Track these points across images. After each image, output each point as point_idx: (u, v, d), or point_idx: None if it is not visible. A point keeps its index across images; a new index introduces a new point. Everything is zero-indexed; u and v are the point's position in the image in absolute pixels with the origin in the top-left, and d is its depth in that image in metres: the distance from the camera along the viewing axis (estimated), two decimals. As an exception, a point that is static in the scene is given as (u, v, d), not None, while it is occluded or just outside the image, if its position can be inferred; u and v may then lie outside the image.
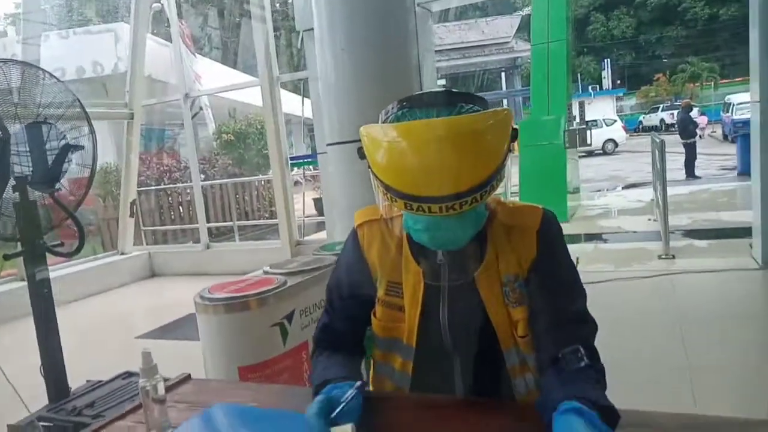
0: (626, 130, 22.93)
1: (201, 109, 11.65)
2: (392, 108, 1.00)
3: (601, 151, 20.96)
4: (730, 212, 6.99)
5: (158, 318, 4.97)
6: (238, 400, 1.15)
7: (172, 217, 9.05)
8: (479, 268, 1.07)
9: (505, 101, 31.75)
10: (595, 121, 22.08)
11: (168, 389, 1.22)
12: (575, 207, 8.58)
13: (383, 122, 1.00)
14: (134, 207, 7.30)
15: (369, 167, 0.99)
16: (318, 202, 9.30)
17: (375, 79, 2.72)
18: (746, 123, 9.77)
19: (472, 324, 1.08)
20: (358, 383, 1.01)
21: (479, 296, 1.07)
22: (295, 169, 8.15)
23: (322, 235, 7.00)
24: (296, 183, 9.47)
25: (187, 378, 1.27)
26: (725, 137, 18.23)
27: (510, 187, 1.12)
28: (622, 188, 11.35)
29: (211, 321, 2.01)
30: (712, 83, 30.26)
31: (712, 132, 21.15)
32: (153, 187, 9.23)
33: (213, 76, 12.11)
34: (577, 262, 5.14)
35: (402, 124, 0.96)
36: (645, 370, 2.97)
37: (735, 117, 16.10)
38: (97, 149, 2.81)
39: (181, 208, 9.21)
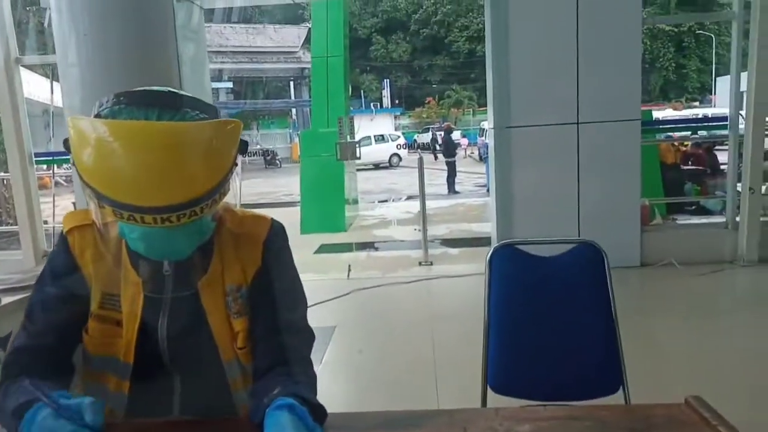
0: (407, 146, 25.01)
1: None
2: (106, 101, 0.90)
3: (387, 164, 22.49)
4: (479, 223, 8.04)
5: None
6: None
7: None
8: (203, 277, 1.03)
9: (293, 110, 32.22)
10: (382, 135, 23.69)
11: None
12: (353, 217, 9.02)
13: (95, 116, 0.89)
14: None
15: (73, 164, 0.88)
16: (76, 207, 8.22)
17: (125, 69, 2.50)
18: (494, 146, 11.39)
19: (193, 336, 1.03)
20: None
21: (201, 306, 1.03)
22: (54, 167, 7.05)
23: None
24: (57, 184, 8.20)
25: None
26: (480, 158, 21.04)
27: (240, 199, 1.09)
28: (406, 199, 12.31)
29: None
30: (472, 110, 34.91)
31: (471, 153, 24.27)
32: None
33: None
34: (350, 269, 5.45)
35: (116, 121, 0.86)
36: (400, 368, 3.23)
37: (486, 140, 18.69)
38: None
39: None
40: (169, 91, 0.92)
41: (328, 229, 7.55)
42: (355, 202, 10.39)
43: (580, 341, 1.49)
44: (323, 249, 6.73)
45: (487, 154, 15.74)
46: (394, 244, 7.15)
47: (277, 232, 1.09)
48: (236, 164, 0.94)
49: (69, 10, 2.58)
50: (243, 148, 0.95)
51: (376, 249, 7.00)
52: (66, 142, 0.89)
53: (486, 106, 5.37)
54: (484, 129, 20.76)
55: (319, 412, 0.89)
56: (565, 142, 4.71)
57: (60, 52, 2.74)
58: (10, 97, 4.98)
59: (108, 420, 0.88)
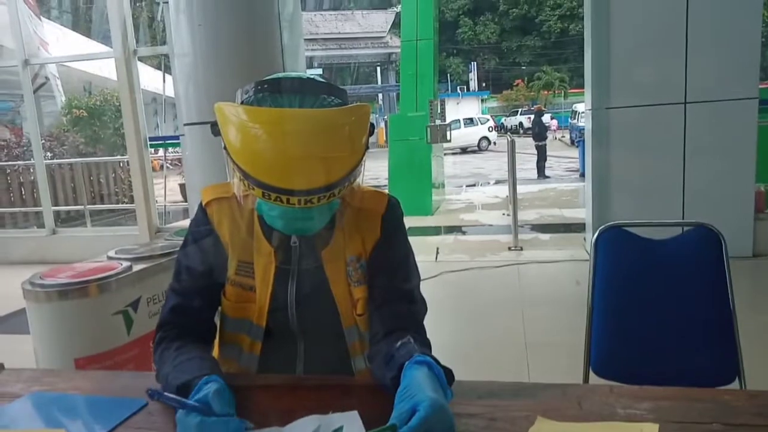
0: (496, 128, 24.46)
1: (47, 79, 10.46)
2: (250, 89, 0.96)
3: (476, 148, 22.17)
4: (571, 209, 7.79)
5: (-13, 311, 4.42)
6: (56, 389, 1.07)
7: (11, 198, 8.00)
8: (326, 249, 1.10)
9: (380, 95, 32.45)
10: (471, 119, 23.35)
11: (-25, 382, 1.10)
12: (440, 201, 9.01)
13: (242, 103, 0.96)
14: (-40, 186, 6.40)
15: (224, 148, 0.95)
16: (183, 188, 8.82)
17: (235, 57, 2.65)
18: (587, 130, 10.92)
19: (318, 303, 1.11)
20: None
21: (325, 276, 1.10)
22: (160, 151, 7.64)
23: (186, 222, 6.65)
24: (163, 167, 8.86)
25: None
26: (572, 142, 20.19)
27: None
28: (494, 183, 12.17)
29: (42, 309, 1.84)
30: (563, 92, 33.47)
31: (561, 137, 23.35)
32: (-15, 165, 8.12)
33: (64, 44, 10.95)
34: (438, 252, 5.48)
35: (264, 109, 0.93)
36: (490, 347, 3.24)
37: (579, 123, 17.90)
38: None
39: (23, 189, 8.17)
40: (308, 78, 0.98)
41: (414, 212, 7.62)
42: (442, 186, 10.36)
43: (693, 329, 1.43)
44: (410, 232, 6.74)
45: (579, 137, 15.10)
46: (481, 229, 7.08)
47: (394, 206, 1.15)
48: (368, 146, 0.99)
49: (187, 3, 2.76)
50: (371, 130, 1.00)
51: (464, 233, 6.97)
52: (214, 126, 0.97)
53: (579, 87, 5.17)
54: (576, 111, 19.89)
55: (449, 375, 0.90)
56: (670, 123, 4.44)
57: (175, 43, 2.95)
58: (129, 86, 5.42)
59: (240, 377, 0.97)
